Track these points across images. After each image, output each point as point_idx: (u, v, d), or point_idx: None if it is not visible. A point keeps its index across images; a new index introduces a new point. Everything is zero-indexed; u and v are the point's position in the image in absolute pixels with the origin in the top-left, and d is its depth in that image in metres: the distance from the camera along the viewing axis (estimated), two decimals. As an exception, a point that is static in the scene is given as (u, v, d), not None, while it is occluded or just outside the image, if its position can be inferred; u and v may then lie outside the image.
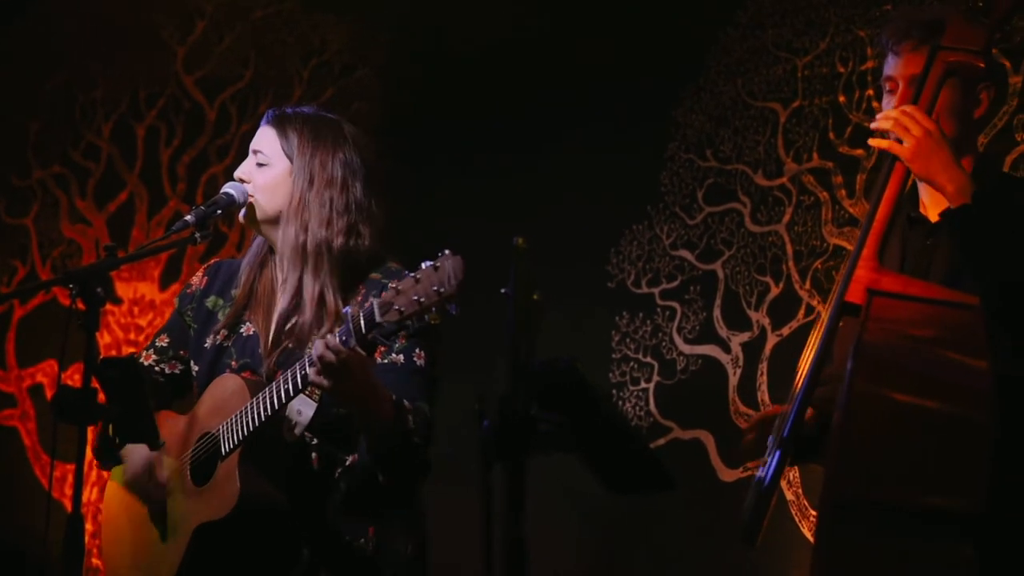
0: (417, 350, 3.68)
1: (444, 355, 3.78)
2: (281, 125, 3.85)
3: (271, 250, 3.87)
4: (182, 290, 4.04)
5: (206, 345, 3.86)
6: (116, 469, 3.93)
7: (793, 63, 5.30)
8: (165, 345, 3.97)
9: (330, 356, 3.32)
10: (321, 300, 3.69)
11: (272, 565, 3.63)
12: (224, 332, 3.83)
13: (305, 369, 3.41)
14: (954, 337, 3.14)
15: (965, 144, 3.49)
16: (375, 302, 3.29)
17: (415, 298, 3.23)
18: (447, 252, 3.25)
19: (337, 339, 3.34)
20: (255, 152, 3.82)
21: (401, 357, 3.67)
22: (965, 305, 3.16)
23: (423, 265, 3.26)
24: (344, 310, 3.39)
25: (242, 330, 3.82)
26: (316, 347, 3.34)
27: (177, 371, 3.94)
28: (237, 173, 3.81)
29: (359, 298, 3.70)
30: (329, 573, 3.65)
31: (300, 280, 3.73)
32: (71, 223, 7.29)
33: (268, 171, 3.80)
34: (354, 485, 3.67)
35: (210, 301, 3.93)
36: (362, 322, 3.31)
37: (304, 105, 3.98)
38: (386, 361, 3.63)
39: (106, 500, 3.96)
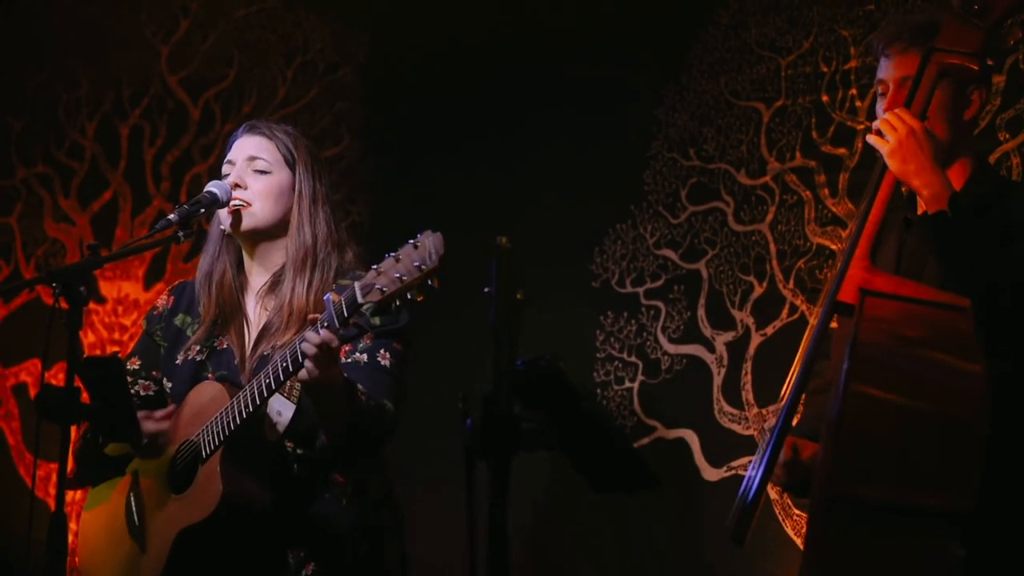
0: (382, 351, 3.70)
1: (415, 357, 3.78)
2: (275, 136, 3.86)
3: (239, 264, 3.89)
4: (148, 312, 4.06)
5: (177, 362, 3.86)
6: (91, 501, 3.93)
7: (776, 62, 5.31)
8: (137, 367, 3.96)
9: (327, 344, 3.33)
10: (304, 307, 3.71)
11: (259, 566, 3.63)
12: (196, 348, 3.84)
13: (287, 361, 3.40)
14: (946, 339, 3.14)
15: (959, 145, 3.51)
16: (356, 284, 3.28)
17: (396, 276, 3.22)
18: (427, 231, 3.25)
19: (321, 327, 3.34)
20: (252, 158, 3.83)
21: (364, 356, 3.68)
22: (956, 307, 3.16)
23: (402, 246, 3.26)
24: (325, 297, 3.39)
25: (215, 344, 3.83)
26: (308, 338, 3.34)
27: (151, 392, 3.94)
28: (231, 179, 3.80)
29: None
30: (324, 569, 3.65)
31: (293, 290, 3.74)
32: (55, 222, 7.28)
33: (270, 179, 3.81)
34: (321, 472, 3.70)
35: (178, 319, 3.94)
36: (344, 306, 3.31)
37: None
38: (349, 360, 3.64)
39: (83, 522, 3.95)
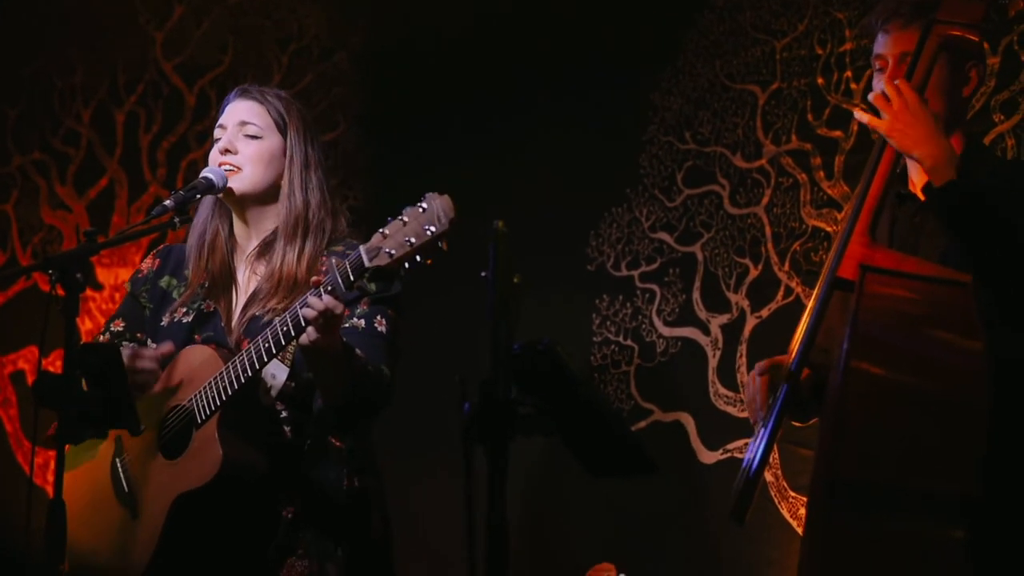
0: (378, 317, 3.71)
1: (404, 325, 3.79)
2: (267, 101, 3.87)
3: (230, 227, 3.89)
4: (133, 275, 4.06)
5: (163, 323, 3.87)
6: (70, 454, 3.92)
7: (771, 45, 5.31)
8: (121, 329, 3.96)
9: (331, 310, 3.33)
10: (294, 274, 3.71)
11: (254, 529, 3.64)
12: (183, 310, 3.84)
13: (287, 326, 3.41)
14: (948, 315, 3.14)
15: (954, 122, 3.49)
16: (361, 248, 3.28)
17: (405, 239, 3.22)
18: (432, 193, 3.25)
19: (325, 291, 3.34)
20: (243, 123, 3.84)
21: (362, 322, 3.69)
22: (958, 283, 3.15)
23: (407, 208, 3.25)
24: (329, 260, 3.39)
25: (202, 307, 3.84)
26: (311, 303, 3.34)
27: None
28: (221, 144, 3.82)
29: (323, 268, 3.70)
30: (314, 528, 3.66)
31: (284, 257, 3.74)
32: (51, 209, 7.27)
33: (261, 143, 3.82)
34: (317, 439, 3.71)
35: (164, 281, 3.95)
36: (349, 269, 3.31)
37: (283, 90, 4.01)
38: (347, 325, 3.64)
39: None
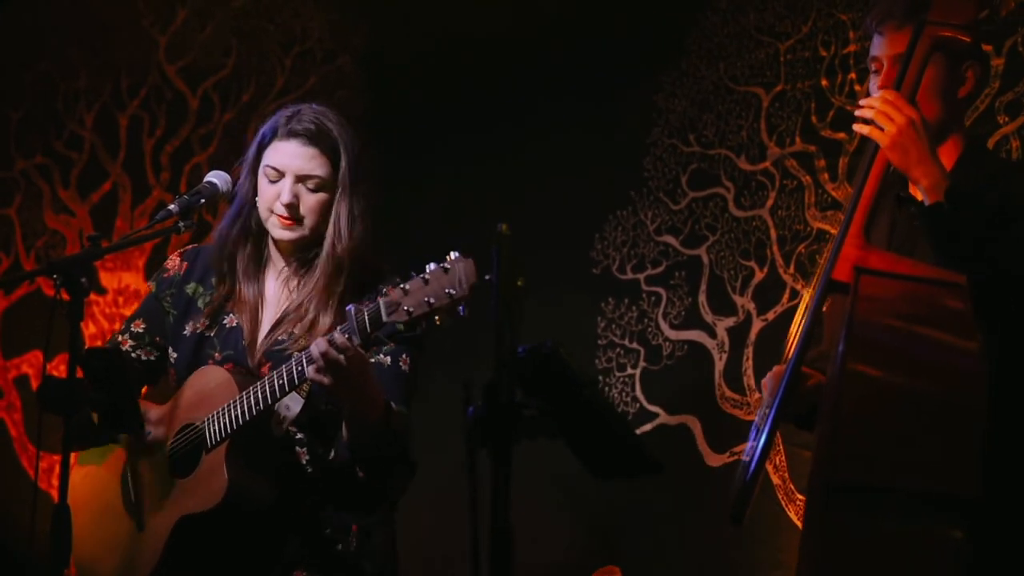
0: (404, 355, 3.68)
1: (423, 364, 3.79)
2: (329, 147, 3.73)
3: (260, 239, 3.84)
4: (158, 274, 3.97)
5: (185, 332, 3.82)
6: (84, 458, 3.91)
7: (775, 47, 5.30)
8: (141, 331, 3.90)
9: (334, 354, 3.32)
10: (327, 306, 3.69)
11: (254, 560, 3.63)
12: (205, 322, 3.79)
13: (302, 365, 3.40)
14: (943, 316, 3.14)
15: (951, 124, 3.49)
16: (382, 301, 3.27)
17: (425, 299, 3.22)
18: (457, 254, 3.24)
19: (340, 336, 3.33)
20: (306, 177, 3.70)
21: (388, 359, 3.66)
22: (953, 284, 3.16)
23: (431, 266, 3.24)
24: (348, 308, 3.37)
25: (224, 321, 3.79)
26: (318, 344, 3.33)
27: (152, 357, 3.88)
28: (285, 198, 3.68)
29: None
30: (310, 570, 3.65)
31: (314, 287, 3.69)
32: (55, 213, 7.27)
33: (323, 196, 3.72)
34: (335, 480, 3.68)
35: (190, 288, 3.87)
36: (367, 320, 3.31)
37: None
38: (372, 361, 3.61)
39: (72, 489, 3.90)
